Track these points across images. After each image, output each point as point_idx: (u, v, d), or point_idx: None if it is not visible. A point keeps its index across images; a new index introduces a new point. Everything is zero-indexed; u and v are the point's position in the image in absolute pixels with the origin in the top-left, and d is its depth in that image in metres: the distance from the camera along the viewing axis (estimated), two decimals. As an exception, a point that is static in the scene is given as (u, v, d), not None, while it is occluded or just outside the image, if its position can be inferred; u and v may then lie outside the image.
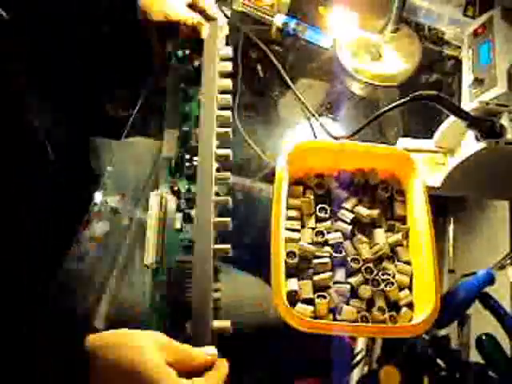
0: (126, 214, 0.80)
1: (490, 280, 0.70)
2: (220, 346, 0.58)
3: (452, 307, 0.68)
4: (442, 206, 0.85)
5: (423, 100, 0.70)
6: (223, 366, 0.56)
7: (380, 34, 1.00)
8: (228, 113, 0.76)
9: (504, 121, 0.74)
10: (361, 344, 0.73)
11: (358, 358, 0.72)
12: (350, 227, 0.74)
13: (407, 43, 1.02)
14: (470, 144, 0.76)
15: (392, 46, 1.01)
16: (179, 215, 0.69)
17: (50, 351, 0.51)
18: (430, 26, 1.04)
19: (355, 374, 0.71)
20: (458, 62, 0.98)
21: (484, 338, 0.67)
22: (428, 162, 0.84)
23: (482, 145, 0.73)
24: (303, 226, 0.75)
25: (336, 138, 0.88)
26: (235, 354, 0.57)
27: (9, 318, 0.54)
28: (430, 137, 0.85)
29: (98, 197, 0.80)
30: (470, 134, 0.76)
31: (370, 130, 0.90)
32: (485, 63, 0.87)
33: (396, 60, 1.00)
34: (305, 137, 0.92)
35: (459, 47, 1.00)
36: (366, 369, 0.71)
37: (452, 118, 0.79)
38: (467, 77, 0.89)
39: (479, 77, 0.85)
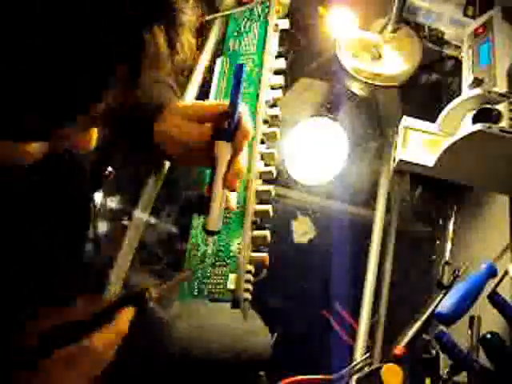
0: (125, 215, 0.80)
1: (493, 273, 0.71)
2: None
3: (457, 303, 0.68)
4: (443, 201, 0.86)
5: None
6: (122, 319, 0.54)
7: (380, 34, 1.00)
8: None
9: (502, 108, 0.75)
10: (361, 343, 0.73)
11: (358, 357, 0.72)
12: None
13: (407, 43, 1.02)
14: (466, 126, 0.78)
15: (392, 46, 1.01)
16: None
17: None
18: (430, 25, 1.04)
19: (355, 374, 0.71)
20: (458, 62, 0.98)
21: (489, 336, 0.67)
22: (428, 144, 0.87)
23: (477, 127, 0.75)
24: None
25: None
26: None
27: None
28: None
29: (98, 197, 0.80)
30: (468, 117, 0.79)
31: (370, 130, 0.90)
32: (485, 63, 0.87)
33: (396, 60, 1.00)
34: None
35: (459, 47, 1.00)
36: (366, 369, 0.71)
37: (455, 102, 0.81)
38: (467, 77, 0.89)
39: (479, 77, 0.85)
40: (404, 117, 0.89)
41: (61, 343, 0.52)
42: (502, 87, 0.81)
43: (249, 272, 0.67)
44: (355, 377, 0.70)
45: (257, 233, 0.69)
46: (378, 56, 1.00)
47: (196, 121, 0.68)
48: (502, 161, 0.79)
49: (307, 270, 0.89)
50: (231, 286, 0.67)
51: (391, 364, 0.67)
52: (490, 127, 0.75)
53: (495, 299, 0.70)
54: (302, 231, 0.92)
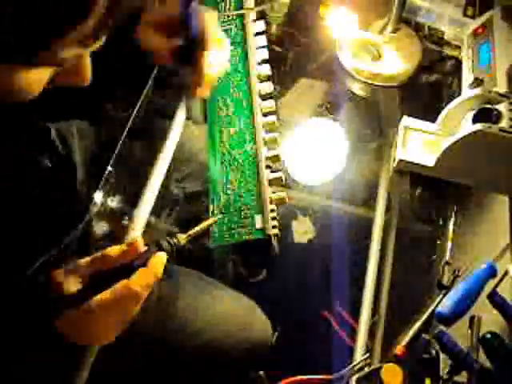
0: (126, 214, 0.80)
1: (493, 273, 0.71)
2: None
3: (456, 303, 0.68)
4: (443, 201, 0.86)
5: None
6: (156, 261, 0.57)
7: (380, 33, 1.00)
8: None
9: (502, 108, 0.75)
10: (361, 343, 0.73)
11: (358, 357, 0.72)
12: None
13: (407, 43, 1.02)
14: (466, 126, 0.78)
15: (392, 46, 1.01)
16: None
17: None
18: (430, 25, 1.04)
19: (355, 374, 0.71)
20: (458, 62, 0.98)
21: (489, 336, 0.67)
22: (428, 144, 0.87)
23: (476, 127, 0.75)
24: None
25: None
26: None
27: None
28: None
29: (98, 197, 0.80)
30: (469, 117, 0.79)
31: (370, 130, 0.90)
32: (485, 63, 0.87)
33: (396, 60, 1.00)
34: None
35: (459, 47, 1.00)
36: (366, 369, 0.71)
37: (455, 102, 0.81)
38: (467, 77, 0.89)
39: (479, 77, 0.85)
40: (404, 117, 0.89)
41: (102, 287, 0.54)
42: (502, 87, 0.81)
43: (272, 211, 0.72)
44: (355, 377, 0.70)
45: (272, 175, 0.75)
46: (377, 56, 1.00)
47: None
48: (501, 161, 0.79)
49: (307, 270, 0.89)
50: (258, 225, 0.72)
51: (391, 364, 0.67)
52: (489, 127, 0.75)
53: (495, 299, 0.70)
54: (302, 231, 0.92)
